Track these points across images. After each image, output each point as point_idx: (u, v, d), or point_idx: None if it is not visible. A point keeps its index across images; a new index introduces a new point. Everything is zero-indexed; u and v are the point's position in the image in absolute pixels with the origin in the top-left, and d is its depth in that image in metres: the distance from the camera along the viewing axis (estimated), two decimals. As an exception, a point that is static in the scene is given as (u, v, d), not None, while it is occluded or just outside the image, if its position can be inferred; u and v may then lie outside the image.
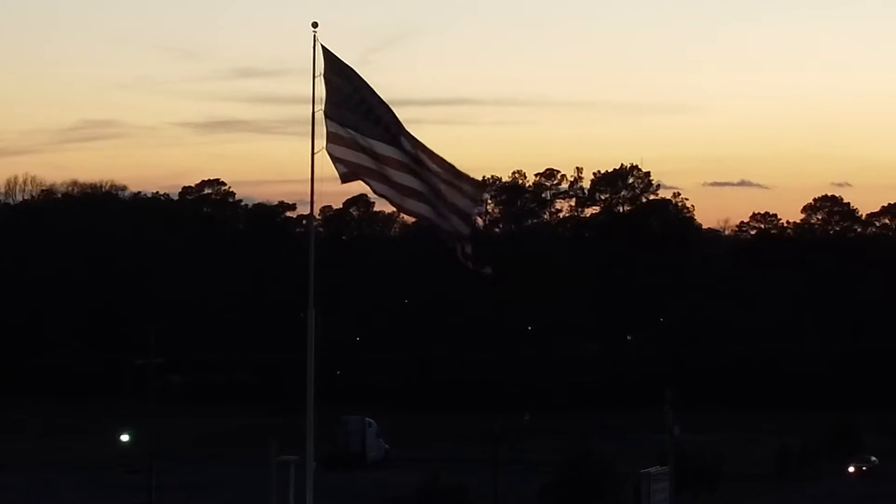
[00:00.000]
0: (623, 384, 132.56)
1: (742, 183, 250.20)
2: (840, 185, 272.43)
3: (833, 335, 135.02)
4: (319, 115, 20.63)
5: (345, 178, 20.78)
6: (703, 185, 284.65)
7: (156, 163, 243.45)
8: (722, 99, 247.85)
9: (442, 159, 20.64)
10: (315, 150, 20.65)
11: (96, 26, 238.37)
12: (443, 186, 20.51)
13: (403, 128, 20.82)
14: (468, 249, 20.37)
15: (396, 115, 20.90)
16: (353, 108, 20.68)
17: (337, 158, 20.74)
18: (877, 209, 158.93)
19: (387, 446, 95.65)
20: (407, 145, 20.73)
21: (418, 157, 20.56)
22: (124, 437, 69.20)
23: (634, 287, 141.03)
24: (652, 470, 53.54)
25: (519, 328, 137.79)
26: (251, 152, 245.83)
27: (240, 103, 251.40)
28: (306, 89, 20.66)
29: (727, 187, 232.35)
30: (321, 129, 20.57)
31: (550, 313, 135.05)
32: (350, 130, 20.57)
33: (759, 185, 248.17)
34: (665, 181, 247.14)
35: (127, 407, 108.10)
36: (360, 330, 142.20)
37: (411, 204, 20.71)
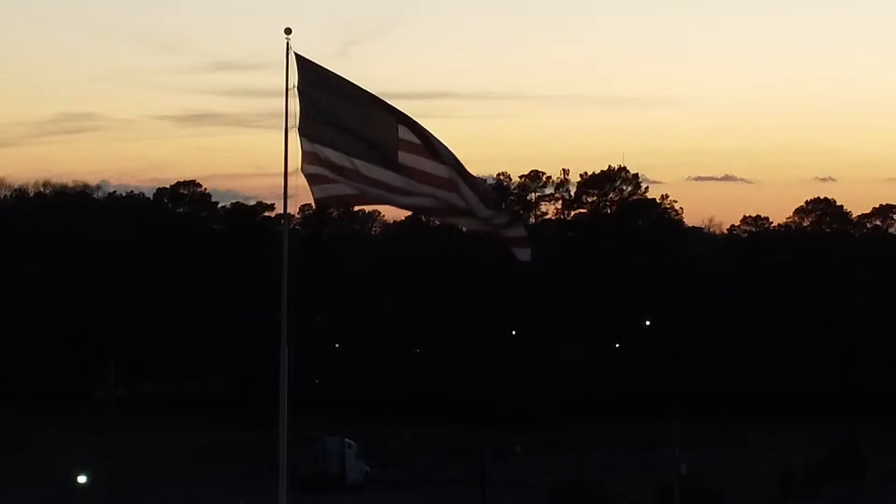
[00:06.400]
0: (610, 394, 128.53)
1: (726, 178, 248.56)
2: (824, 179, 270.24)
3: (831, 342, 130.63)
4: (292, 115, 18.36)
5: (320, 205, 18.34)
6: (687, 179, 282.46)
7: (134, 156, 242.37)
8: (705, 93, 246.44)
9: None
10: (288, 169, 18.36)
11: (74, 18, 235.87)
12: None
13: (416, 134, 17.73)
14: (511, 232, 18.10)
15: (399, 116, 17.84)
16: (331, 122, 17.98)
17: (313, 179, 18.18)
18: (862, 204, 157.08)
19: (367, 468, 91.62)
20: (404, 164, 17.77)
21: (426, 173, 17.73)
22: (81, 479, 64.67)
23: (621, 291, 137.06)
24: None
25: (502, 333, 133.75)
26: (229, 145, 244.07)
27: (218, 96, 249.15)
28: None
29: (711, 182, 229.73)
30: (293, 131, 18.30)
31: (535, 318, 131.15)
32: (328, 149, 17.98)
33: (743, 180, 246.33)
34: (648, 175, 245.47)
35: (95, 423, 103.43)
36: (340, 335, 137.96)
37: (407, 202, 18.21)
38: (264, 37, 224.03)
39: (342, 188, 18.34)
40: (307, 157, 18.31)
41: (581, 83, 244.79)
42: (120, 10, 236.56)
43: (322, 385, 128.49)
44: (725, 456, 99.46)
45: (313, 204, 18.91)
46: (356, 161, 18.03)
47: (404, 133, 17.92)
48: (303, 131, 18.30)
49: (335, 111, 18.15)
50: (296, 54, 18.38)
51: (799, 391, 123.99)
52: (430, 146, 17.87)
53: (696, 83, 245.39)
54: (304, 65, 18.39)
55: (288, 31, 18.40)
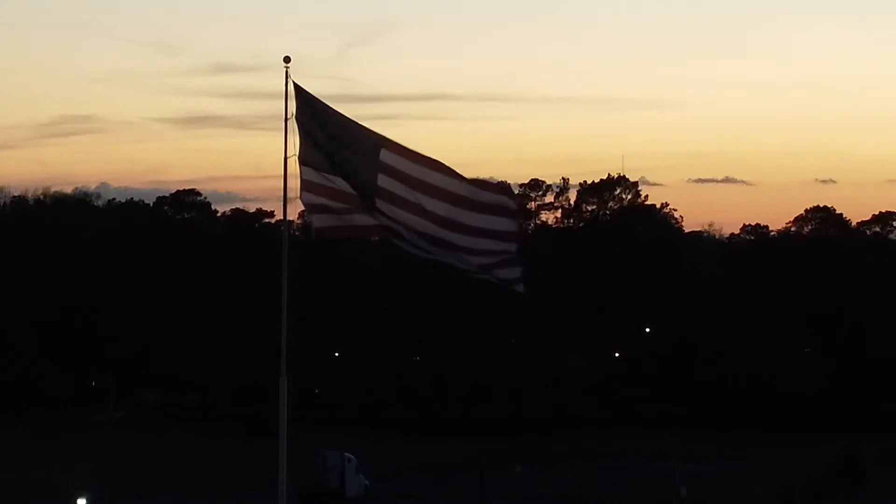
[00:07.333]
0: (610, 403, 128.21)
1: (726, 179, 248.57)
2: (825, 181, 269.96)
3: (832, 351, 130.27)
4: (291, 126, 18.93)
5: (322, 234, 18.89)
6: (687, 181, 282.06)
7: (134, 158, 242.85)
8: (705, 94, 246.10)
9: (462, 184, 18.13)
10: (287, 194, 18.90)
11: (74, 20, 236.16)
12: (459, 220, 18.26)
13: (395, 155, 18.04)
14: (503, 273, 18.70)
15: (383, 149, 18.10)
16: (327, 154, 18.41)
17: (313, 208, 18.61)
18: (862, 206, 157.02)
19: (367, 482, 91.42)
20: (391, 210, 18.09)
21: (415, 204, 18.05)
22: (81, 502, 64.68)
23: (621, 299, 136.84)
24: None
25: (501, 342, 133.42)
26: (229, 148, 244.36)
27: (218, 98, 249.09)
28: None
29: (711, 184, 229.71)
30: (293, 141, 18.88)
31: (534, 327, 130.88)
32: (328, 178, 18.37)
33: (743, 182, 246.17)
34: (648, 178, 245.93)
35: (94, 435, 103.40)
36: (339, 342, 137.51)
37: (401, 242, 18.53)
38: (264, 39, 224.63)
39: (343, 219, 18.69)
40: (307, 185, 18.55)
41: (581, 85, 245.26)
42: (119, 12, 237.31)
43: (321, 394, 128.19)
44: (725, 468, 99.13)
45: (314, 233, 19.26)
46: (349, 195, 18.34)
47: (384, 182, 18.23)
48: (303, 159, 18.56)
49: (328, 147, 18.40)
50: (294, 83, 18.67)
51: (799, 401, 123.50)
52: (413, 199, 18.06)
53: (696, 84, 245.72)
54: (301, 96, 18.69)
55: (287, 59, 18.79)
